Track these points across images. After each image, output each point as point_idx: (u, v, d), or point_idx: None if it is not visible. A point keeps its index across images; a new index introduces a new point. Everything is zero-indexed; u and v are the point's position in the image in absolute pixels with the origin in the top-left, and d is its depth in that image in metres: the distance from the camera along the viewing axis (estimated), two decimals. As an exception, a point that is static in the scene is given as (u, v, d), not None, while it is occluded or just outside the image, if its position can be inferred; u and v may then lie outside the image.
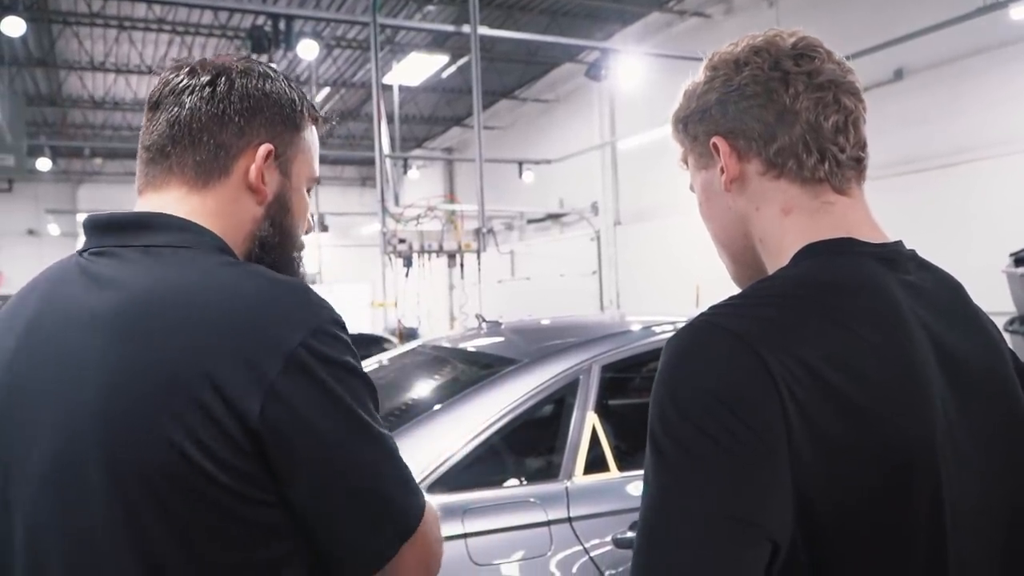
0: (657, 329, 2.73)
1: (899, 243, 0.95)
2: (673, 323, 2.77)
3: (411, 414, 2.44)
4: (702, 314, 0.84)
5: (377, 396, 1.00)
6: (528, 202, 15.67)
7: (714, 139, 0.96)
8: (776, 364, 0.77)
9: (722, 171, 0.97)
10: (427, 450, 2.19)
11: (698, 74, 1.01)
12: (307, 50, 7.05)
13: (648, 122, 11.92)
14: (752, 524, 0.73)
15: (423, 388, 2.88)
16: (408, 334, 11.84)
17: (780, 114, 0.91)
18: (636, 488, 2.34)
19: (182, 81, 1.02)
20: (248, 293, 0.92)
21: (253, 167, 1.03)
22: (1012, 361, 0.96)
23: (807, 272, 0.88)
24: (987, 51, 8.27)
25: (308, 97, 1.13)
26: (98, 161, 19.14)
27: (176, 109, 1.01)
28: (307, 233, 1.16)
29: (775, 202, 0.94)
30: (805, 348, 0.79)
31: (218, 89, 1.02)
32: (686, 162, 1.07)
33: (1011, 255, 7.23)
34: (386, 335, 12.16)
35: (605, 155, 14.26)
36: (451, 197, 6.50)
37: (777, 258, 0.94)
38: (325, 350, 0.91)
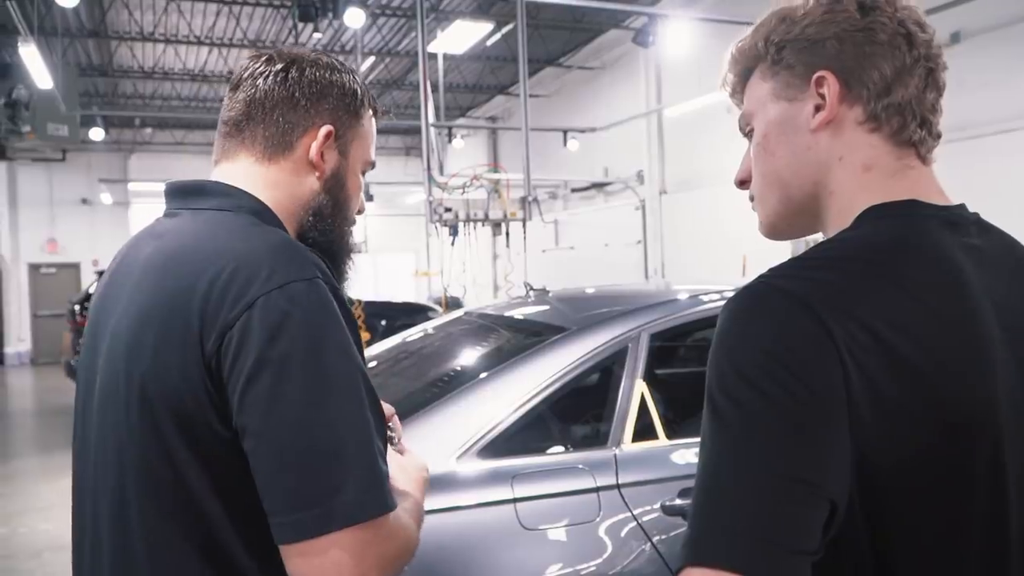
0: (705, 298, 2.70)
1: (962, 206, 0.94)
2: (720, 292, 2.74)
3: (461, 380, 2.46)
4: (760, 276, 0.83)
5: (350, 368, 0.99)
6: (573, 171, 15.57)
7: (822, 73, 0.91)
8: (837, 327, 0.76)
9: (816, 109, 0.92)
10: (476, 416, 2.21)
11: (803, 1, 0.94)
12: (353, 18, 7.05)
13: (696, 89, 11.74)
14: (809, 484, 0.73)
15: (472, 355, 2.90)
16: (452, 303, 11.93)
17: (899, 71, 0.89)
18: (684, 456, 2.34)
19: (260, 67, 1.17)
20: (242, 248, 1.02)
21: (315, 145, 1.16)
22: None
23: (869, 235, 0.87)
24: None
25: (364, 82, 1.24)
26: (148, 131, 19.44)
27: (253, 90, 1.16)
28: (359, 213, 1.29)
29: (860, 156, 0.91)
30: (866, 311, 0.78)
31: (290, 75, 1.16)
32: (739, 92, 1.02)
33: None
34: (430, 303, 12.25)
35: (651, 123, 14.07)
36: (495, 165, 6.46)
37: (841, 213, 0.92)
38: (286, 304, 0.96)
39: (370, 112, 1.25)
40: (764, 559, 0.70)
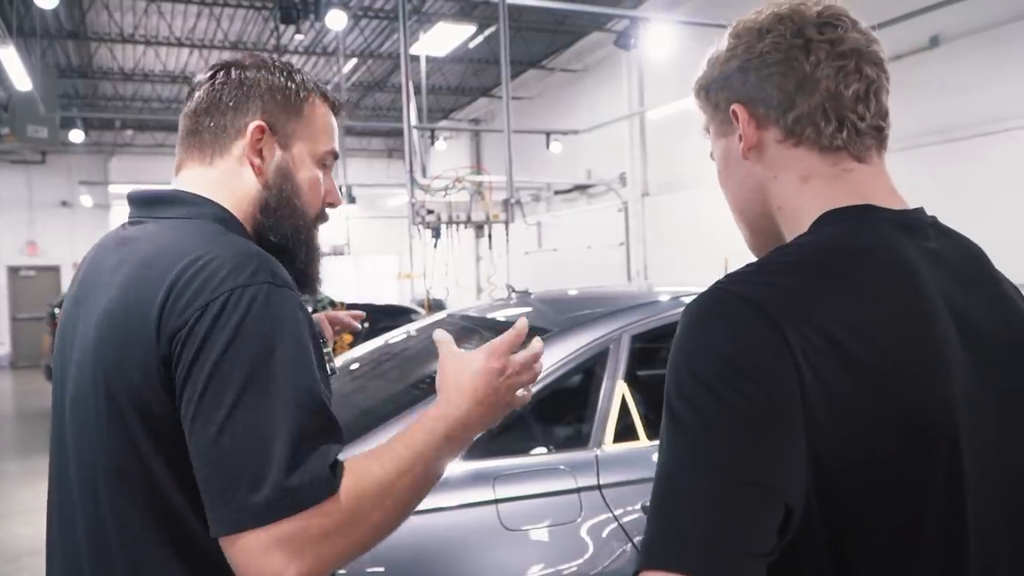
0: (686, 300, 2.72)
1: (919, 210, 0.95)
2: (686, 295, 2.77)
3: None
4: (718, 282, 0.85)
5: (296, 371, 1.00)
6: (555, 173, 15.60)
7: (734, 106, 0.96)
8: (792, 331, 0.77)
9: (741, 139, 0.97)
10: (458, 417, 2.22)
11: (722, 41, 1.00)
12: (335, 20, 7.03)
13: (678, 92, 11.78)
14: (765, 487, 0.74)
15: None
16: (435, 305, 11.92)
17: (800, 82, 0.91)
18: (665, 457, 2.36)
19: (201, 78, 1.23)
20: (202, 254, 1.04)
21: (245, 144, 1.19)
22: None
23: (825, 239, 0.89)
24: (1026, 18, 8.08)
25: (329, 80, 1.31)
26: (129, 133, 19.29)
27: (190, 102, 1.22)
28: (333, 206, 1.30)
29: (793, 170, 0.94)
30: (822, 315, 0.79)
31: (216, 81, 1.21)
32: (708, 130, 1.07)
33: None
34: (413, 306, 12.24)
35: (633, 125, 14.13)
36: (478, 167, 6.46)
37: (795, 226, 0.94)
38: (233, 308, 0.99)
39: (320, 104, 1.26)
40: (718, 562, 0.71)
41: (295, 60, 15.02)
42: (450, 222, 6.00)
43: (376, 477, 1.02)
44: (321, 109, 1.26)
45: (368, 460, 1.03)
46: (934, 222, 0.96)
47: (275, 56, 1.28)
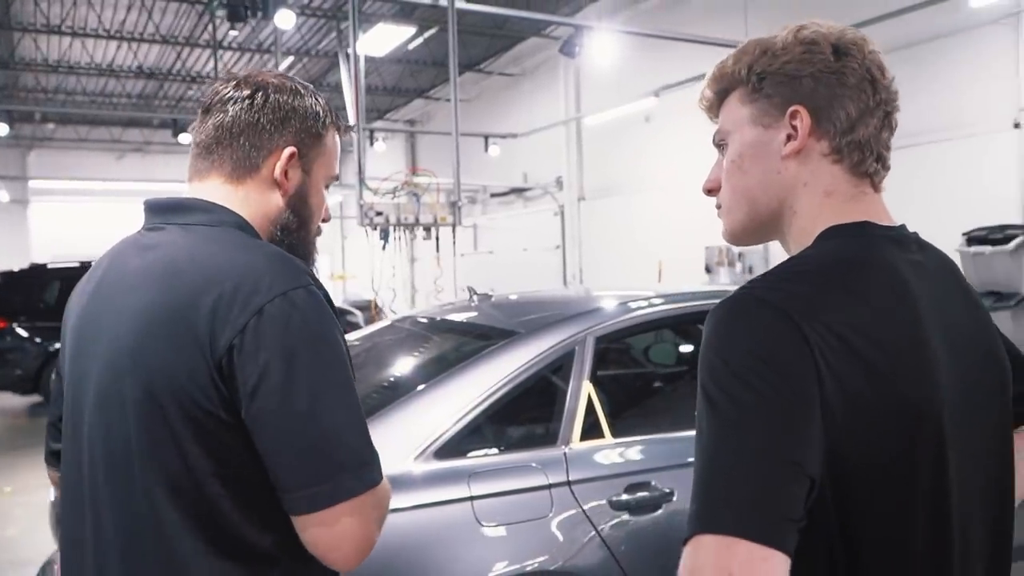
0: (645, 303, 2.85)
1: (903, 226, 1.07)
2: (659, 297, 2.90)
3: (417, 382, 2.52)
4: (743, 289, 0.95)
5: (345, 361, 1.14)
6: (492, 176, 15.70)
7: (796, 107, 1.02)
8: (810, 331, 0.88)
9: (788, 138, 1.04)
10: (433, 417, 2.28)
11: (782, 35, 1.06)
12: (284, 19, 6.98)
13: (615, 99, 12.01)
14: (795, 464, 0.84)
15: (426, 358, 2.96)
16: (367, 307, 11.83)
17: (862, 113, 1.02)
18: (629, 454, 2.46)
19: (228, 93, 1.26)
20: (241, 261, 1.13)
21: (278, 166, 1.26)
22: (997, 332, 1.11)
23: (831, 252, 1.00)
24: (945, 37, 8.51)
25: (327, 103, 1.34)
26: (50, 126, 18.66)
27: (221, 116, 1.25)
28: (325, 221, 1.40)
29: (822, 183, 1.04)
30: (833, 317, 0.90)
31: (255, 101, 1.25)
32: (715, 109, 1.14)
33: (964, 234, 7.52)
34: (348, 307, 12.14)
35: (570, 130, 14.33)
36: (422, 170, 6.48)
37: (803, 231, 1.05)
38: (289, 309, 1.09)
39: (333, 130, 1.34)
40: (762, 524, 0.81)
41: (229, 56, 14.79)
42: (398, 224, 6.02)
43: None
44: (335, 136, 1.35)
45: None
46: (916, 237, 1.08)
47: (299, 80, 1.34)
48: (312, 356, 1.09)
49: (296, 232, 1.30)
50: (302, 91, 1.31)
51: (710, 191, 1.15)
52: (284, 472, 1.08)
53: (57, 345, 9.76)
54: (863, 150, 1.03)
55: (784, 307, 0.90)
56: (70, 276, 10.13)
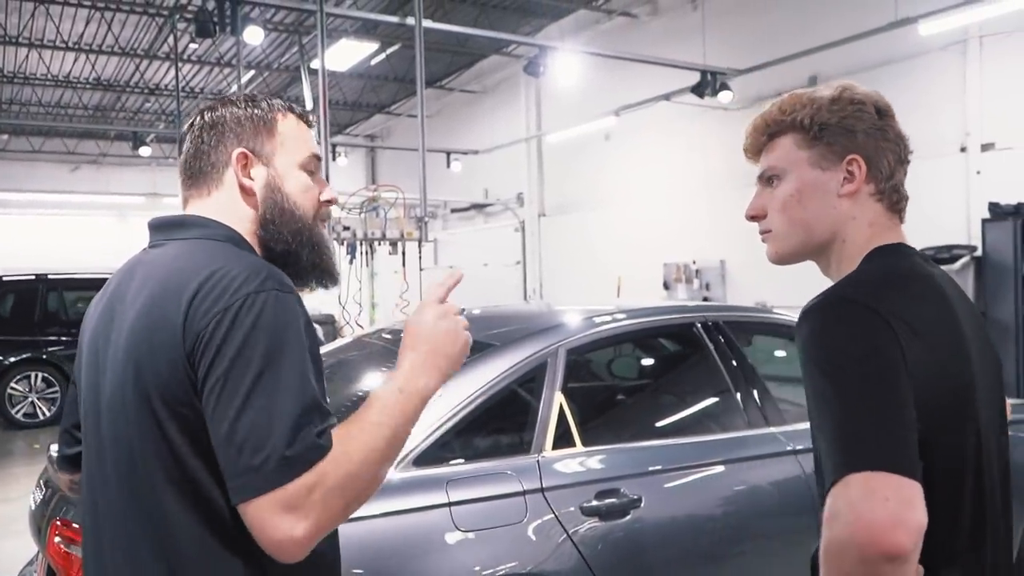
0: (615, 316, 2.96)
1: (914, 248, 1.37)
2: (612, 314, 3.01)
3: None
4: (830, 292, 1.21)
5: (299, 364, 1.17)
6: (454, 191, 15.79)
7: (855, 156, 1.30)
8: (893, 321, 1.15)
9: (845, 180, 1.31)
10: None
11: (828, 92, 1.33)
12: (253, 35, 7.03)
13: (576, 117, 12.20)
14: (912, 418, 1.10)
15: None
16: (326, 320, 11.81)
17: (898, 162, 1.33)
18: (598, 462, 2.56)
19: (186, 131, 1.43)
20: (217, 267, 1.22)
21: (237, 171, 1.37)
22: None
23: (885, 266, 1.28)
24: (895, 62, 8.84)
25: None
26: (4, 137, 18.33)
27: (184, 152, 1.42)
28: (330, 203, 1.47)
29: (868, 217, 1.33)
30: (902, 312, 1.16)
31: (194, 131, 1.41)
32: (757, 151, 1.41)
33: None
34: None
35: (531, 148, 14.49)
36: (392, 187, 6.54)
37: (850, 256, 1.32)
38: (251, 307, 1.17)
39: (288, 116, 1.43)
40: (903, 461, 1.05)
41: (187, 69, 14.71)
42: (366, 239, 6.08)
43: (359, 440, 1.18)
44: (291, 123, 1.43)
45: (348, 426, 1.20)
46: (928, 255, 1.37)
47: (239, 93, 1.47)
48: (261, 356, 1.14)
49: (277, 222, 1.38)
50: (233, 99, 1.42)
51: (753, 217, 1.42)
52: (220, 460, 1.14)
53: (15, 358, 9.56)
54: (898, 191, 1.34)
55: (872, 305, 1.16)
56: (24, 289, 9.97)
